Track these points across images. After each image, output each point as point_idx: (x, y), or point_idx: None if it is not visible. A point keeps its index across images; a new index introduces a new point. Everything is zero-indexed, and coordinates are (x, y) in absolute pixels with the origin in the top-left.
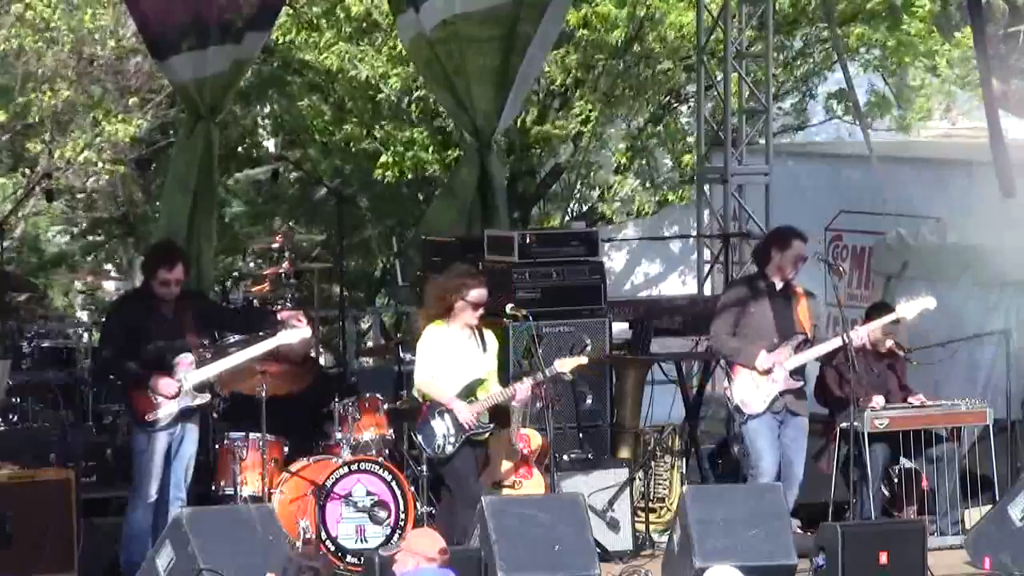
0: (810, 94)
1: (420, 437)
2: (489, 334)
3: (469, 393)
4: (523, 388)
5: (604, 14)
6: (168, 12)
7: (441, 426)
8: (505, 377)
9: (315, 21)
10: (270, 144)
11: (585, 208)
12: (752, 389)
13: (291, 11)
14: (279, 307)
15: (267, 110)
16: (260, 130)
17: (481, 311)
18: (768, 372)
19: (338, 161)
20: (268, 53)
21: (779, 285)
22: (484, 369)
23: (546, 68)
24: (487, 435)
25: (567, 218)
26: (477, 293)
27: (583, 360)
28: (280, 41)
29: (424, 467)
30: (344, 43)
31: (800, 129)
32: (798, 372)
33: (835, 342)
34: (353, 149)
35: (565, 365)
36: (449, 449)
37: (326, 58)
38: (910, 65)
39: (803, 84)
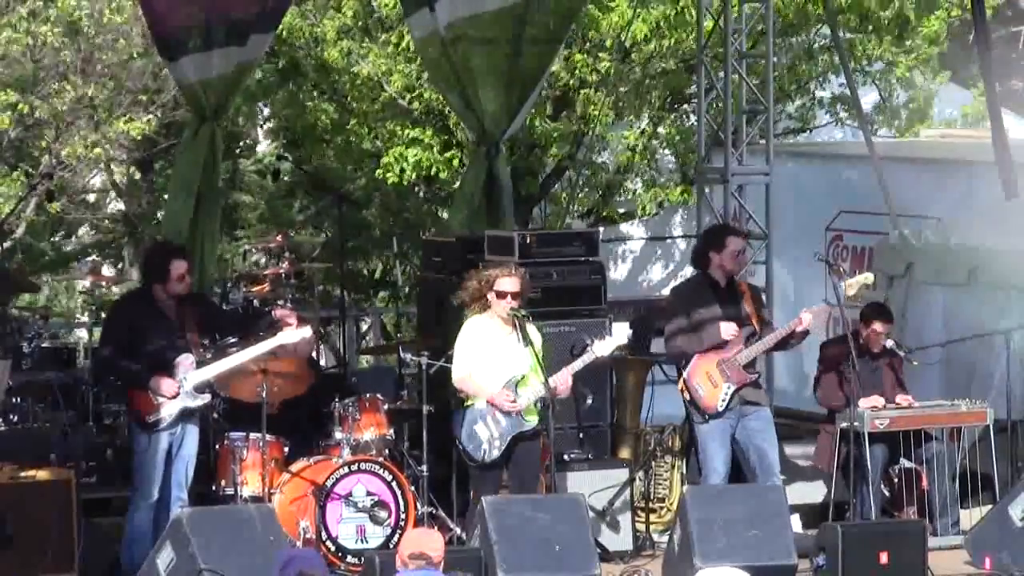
0: (816, 100)
1: (468, 446)
2: (532, 329)
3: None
4: (562, 380)
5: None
6: (176, 13)
7: (485, 431)
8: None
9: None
10: (263, 147)
11: (586, 210)
12: (709, 388)
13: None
14: (275, 307)
15: (268, 112)
16: (260, 128)
17: (514, 301)
18: (734, 338)
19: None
20: (272, 54)
21: (723, 283)
22: (524, 364)
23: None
24: (532, 434)
25: (569, 219)
26: (505, 282)
27: (622, 340)
28: (284, 35)
29: (424, 467)
30: (346, 39)
31: (804, 131)
32: (751, 365)
33: (783, 330)
34: (355, 149)
35: (603, 348)
36: (495, 454)
37: (328, 54)
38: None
39: (807, 84)
